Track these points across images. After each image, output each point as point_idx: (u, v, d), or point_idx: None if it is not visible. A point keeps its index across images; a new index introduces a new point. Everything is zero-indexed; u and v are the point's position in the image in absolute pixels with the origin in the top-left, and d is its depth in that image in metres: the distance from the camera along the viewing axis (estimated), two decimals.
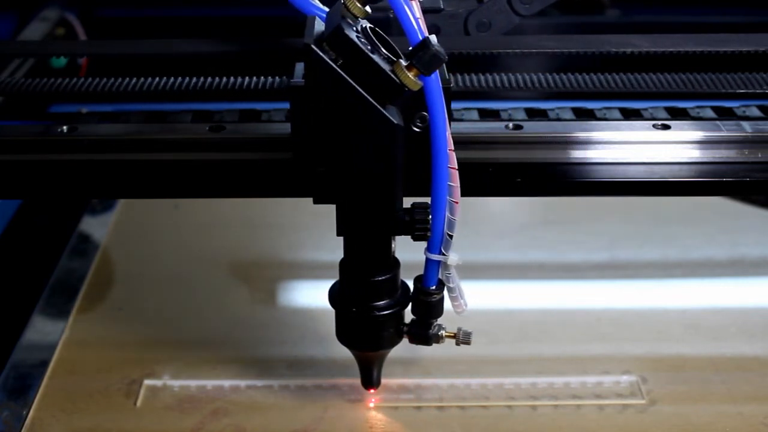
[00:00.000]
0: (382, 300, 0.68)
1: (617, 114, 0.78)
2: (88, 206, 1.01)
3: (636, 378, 0.77)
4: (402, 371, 0.78)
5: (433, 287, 0.67)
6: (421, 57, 0.58)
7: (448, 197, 0.62)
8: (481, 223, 0.99)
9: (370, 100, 0.59)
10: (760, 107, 0.78)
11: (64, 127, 0.72)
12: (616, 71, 0.76)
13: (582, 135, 0.71)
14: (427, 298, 0.68)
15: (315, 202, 0.64)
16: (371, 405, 0.75)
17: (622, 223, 0.99)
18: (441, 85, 0.60)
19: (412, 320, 0.70)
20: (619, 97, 0.78)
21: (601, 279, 0.92)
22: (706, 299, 0.90)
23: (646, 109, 0.78)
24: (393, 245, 0.68)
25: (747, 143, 0.71)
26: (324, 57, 0.58)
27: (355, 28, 0.60)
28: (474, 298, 0.89)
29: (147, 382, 0.77)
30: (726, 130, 0.71)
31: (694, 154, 0.71)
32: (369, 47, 0.60)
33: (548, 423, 0.73)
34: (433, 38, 0.58)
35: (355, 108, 0.59)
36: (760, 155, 0.71)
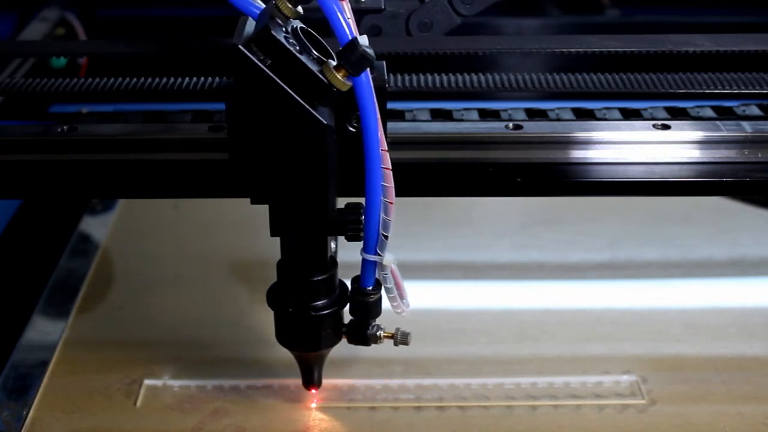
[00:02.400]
0: (319, 300, 0.68)
1: (617, 114, 0.78)
2: (88, 206, 1.01)
3: (636, 378, 0.77)
4: (402, 371, 0.78)
5: (370, 287, 0.67)
6: (349, 57, 0.58)
7: (382, 198, 0.62)
8: (481, 223, 0.99)
9: (299, 100, 0.59)
10: (760, 107, 0.78)
11: (64, 127, 0.72)
12: (616, 71, 0.76)
13: (582, 135, 0.71)
14: (364, 299, 0.68)
15: (252, 203, 0.64)
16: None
17: (622, 223, 0.99)
18: (373, 85, 0.59)
19: (351, 320, 0.70)
20: (619, 97, 0.78)
21: (601, 279, 0.92)
22: (706, 299, 0.90)
23: (646, 109, 0.78)
24: (333, 246, 0.68)
25: (747, 143, 0.71)
26: (252, 58, 0.58)
27: (284, 29, 0.60)
28: (474, 298, 0.89)
29: (147, 382, 0.77)
30: (726, 130, 0.71)
31: (694, 154, 0.71)
32: (297, 48, 0.59)
33: (548, 423, 0.73)
34: (364, 39, 0.58)
35: (284, 108, 0.59)
36: (760, 155, 0.71)
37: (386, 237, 0.63)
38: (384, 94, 0.63)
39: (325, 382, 0.76)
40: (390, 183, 0.61)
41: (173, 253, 0.95)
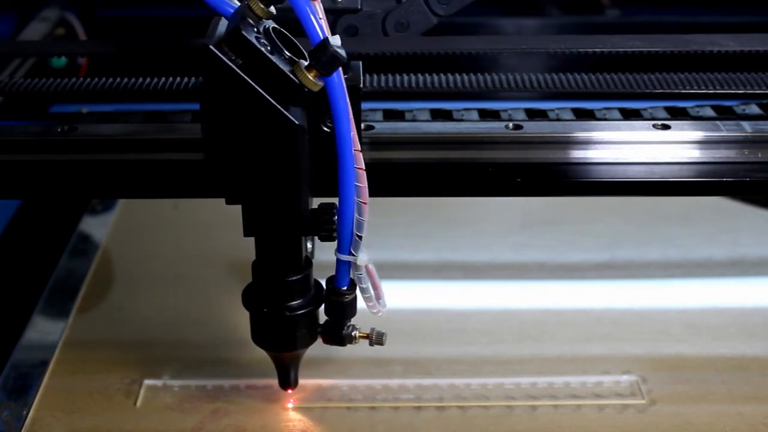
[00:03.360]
0: (294, 300, 0.68)
1: (617, 114, 0.78)
2: (88, 206, 1.01)
3: (636, 378, 0.77)
4: (402, 371, 0.78)
5: (345, 288, 0.67)
6: (320, 58, 0.58)
7: (356, 198, 0.62)
8: (481, 223, 0.99)
9: (270, 100, 0.59)
10: (760, 106, 0.78)
11: (64, 127, 0.72)
12: (616, 71, 0.76)
13: (582, 135, 0.71)
14: (339, 299, 0.68)
15: (227, 203, 0.64)
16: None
17: (622, 223, 0.99)
18: (345, 85, 0.60)
19: (326, 321, 0.70)
20: (619, 97, 0.78)
21: (601, 279, 0.92)
22: (706, 299, 0.90)
23: (645, 109, 0.78)
24: (310, 246, 0.69)
25: (747, 143, 0.71)
26: (223, 58, 0.58)
27: (256, 29, 0.60)
28: (474, 298, 0.89)
29: (147, 382, 0.77)
30: (726, 130, 0.72)
31: (694, 154, 0.71)
32: (269, 48, 0.59)
33: (548, 423, 0.73)
34: (336, 39, 0.58)
35: (256, 108, 0.59)
36: (760, 155, 0.71)
37: (360, 237, 0.63)
38: (358, 94, 0.63)
39: (325, 382, 0.77)
40: (363, 183, 0.61)
41: (173, 253, 0.95)
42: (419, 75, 0.76)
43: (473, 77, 0.76)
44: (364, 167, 0.61)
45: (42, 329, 0.84)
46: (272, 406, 0.75)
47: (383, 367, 0.78)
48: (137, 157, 0.71)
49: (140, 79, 0.76)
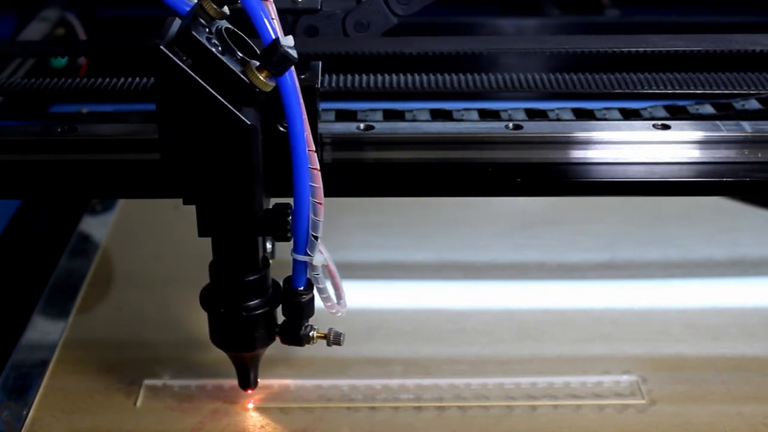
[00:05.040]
0: (251, 300, 0.68)
1: (617, 114, 0.78)
2: (88, 206, 1.01)
3: (636, 378, 0.77)
4: (402, 371, 0.78)
5: (302, 288, 0.67)
6: (270, 58, 0.58)
7: (311, 198, 0.62)
8: (481, 223, 0.99)
9: (221, 100, 0.59)
10: (759, 100, 0.78)
11: (65, 127, 0.72)
12: (616, 71, 0.76)
13: (582, 135, 0.71)
14: (296, 299, 0.68)
15: (184, 203, 0.64)
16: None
17: (622, 223, 0.99)
18: (299, 85, 0.60)
19: (284, 321, 0.70)
20: (619, 97, 0.78)
21: (601, 279, 0.92)
22: (706, 299, 0.90)
23: (645, 109, 0.78)
24: (269, 246, 0.69)
25: (747, 143, 0.71)
26: (173, 59, 0.58)
27: (207, 30, 0.60)
28: (474, 298, 0.89)
29: (147, 382, 0.77)
30: (726, 130, 0.72)
31: (694, 154, 0.71)
32: (220, 48, 0.59)
33: (548, 423, 0.73)
34: (288, 39, 0.58)
35: (207, 108, 0.59)
36: (760, 155, 0.71)
37: (316, 237, 0.63)
38: (314, 95, 0.63)
39: (325, 382, 0.77)
40: (318, 183, 0.61)
41: (173, 253, 0.95)
42: (379, 75, 0.75)
43: (433, 78, 0.75)
44: (318, 167, 0.61)
45: (42, 329, 0.84)
46: (272, 406, 0.75)
47: (383, 367, 0.79)
48: (137, 157, 0.71)
49: (140, 79, 0.76)
